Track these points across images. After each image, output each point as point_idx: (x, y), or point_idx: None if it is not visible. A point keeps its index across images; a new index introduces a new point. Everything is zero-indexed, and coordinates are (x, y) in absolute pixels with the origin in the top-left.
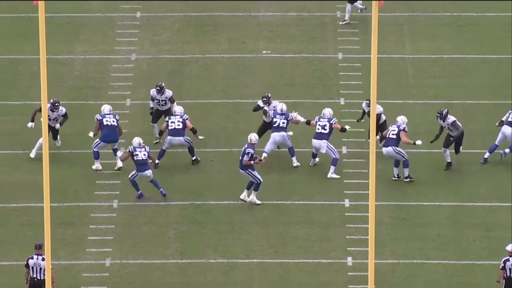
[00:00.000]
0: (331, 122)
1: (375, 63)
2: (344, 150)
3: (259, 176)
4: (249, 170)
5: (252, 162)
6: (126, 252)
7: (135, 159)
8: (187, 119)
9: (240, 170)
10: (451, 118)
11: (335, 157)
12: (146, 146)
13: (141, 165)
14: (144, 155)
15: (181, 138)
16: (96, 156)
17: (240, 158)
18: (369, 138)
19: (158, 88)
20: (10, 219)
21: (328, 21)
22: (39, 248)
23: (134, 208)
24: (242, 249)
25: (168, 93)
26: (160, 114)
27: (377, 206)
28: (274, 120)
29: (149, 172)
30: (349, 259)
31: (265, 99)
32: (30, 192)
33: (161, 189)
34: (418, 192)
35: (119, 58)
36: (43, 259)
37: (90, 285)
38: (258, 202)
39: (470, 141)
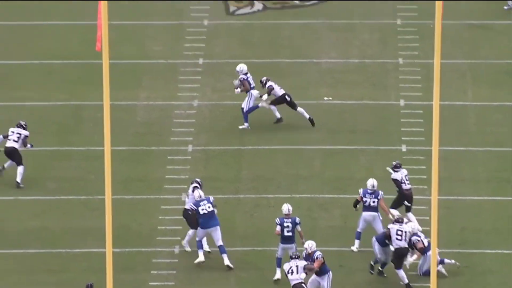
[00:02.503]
0: (378, 198)
1: (437, 109)
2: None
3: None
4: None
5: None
6: None
7: None
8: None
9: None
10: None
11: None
12: None
13: None
14: None
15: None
16: (200, 246)
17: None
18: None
19: None
20: (72, 265)
21: (390, 68)
22: None
23: (195, 253)
24: None
25: None
26: None
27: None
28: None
29: None
30: None
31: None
32: (91, 237)
33: None
34: (479, 240)
35: (182, 104)
36: None
37: None
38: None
39: None
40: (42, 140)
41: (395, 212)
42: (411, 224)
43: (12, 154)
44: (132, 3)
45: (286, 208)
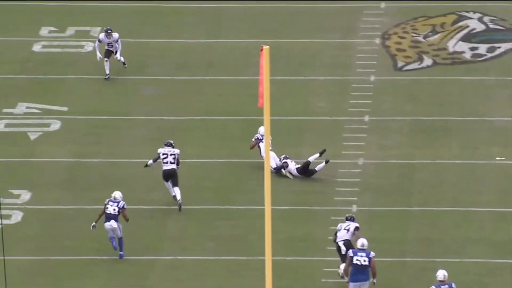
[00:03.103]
0: None
1: None
2: None
3: None
4: None
5: None
6: None
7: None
8: None
9: None
10: None
11: None
12: (121, 202)
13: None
14: (114, 209)
15: None
16: None
17: None
18: None
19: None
20: None
21: None
22: None
23: None
24: None
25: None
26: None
27: None
28: None
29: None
30: None
31: None
32: None
33: (121, 252)
34: None
35: (346, 162)
36: None
37: None
38: None
39: None
40: (202, 198)
41: None
42: None
43: (173, 175)
44: (295, 58)
45: (442, 274)
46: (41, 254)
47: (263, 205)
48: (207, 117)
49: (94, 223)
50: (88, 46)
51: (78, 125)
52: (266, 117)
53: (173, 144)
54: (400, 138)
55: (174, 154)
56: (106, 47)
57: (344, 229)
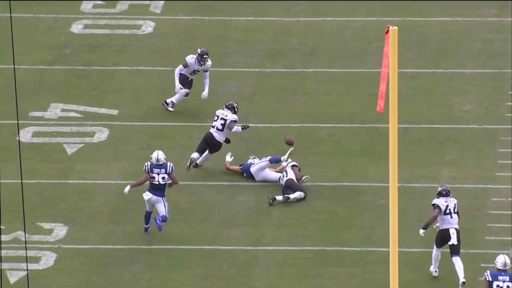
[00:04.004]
0: None
1: None
2: None
3: None
4: None
5: None
6: None
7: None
8: None
9: None
10: None
11: None
12: (168, 164)
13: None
14: (163, 178)
15: None
16: None
17: None
18: None
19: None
20: None
21: None
22: None
23: None
24: None
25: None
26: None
27: None
28: None
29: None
30: None
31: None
32: None
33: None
34: None
35: (502, 188)
36: None
37: None
38: None
39: None
40: (302, 235)
41: None
42: None
43: (214, 145)
44: (432, 43)
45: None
46: None
47: (387, 246)
48: (309, 124)
49: (129, 187)
50: (147, 26)
51: (132, 135)
52: (393, 125)
53: (236, 109)
54: None
55: (224, 119)
56: (187, 74)
57: (454, 212)
